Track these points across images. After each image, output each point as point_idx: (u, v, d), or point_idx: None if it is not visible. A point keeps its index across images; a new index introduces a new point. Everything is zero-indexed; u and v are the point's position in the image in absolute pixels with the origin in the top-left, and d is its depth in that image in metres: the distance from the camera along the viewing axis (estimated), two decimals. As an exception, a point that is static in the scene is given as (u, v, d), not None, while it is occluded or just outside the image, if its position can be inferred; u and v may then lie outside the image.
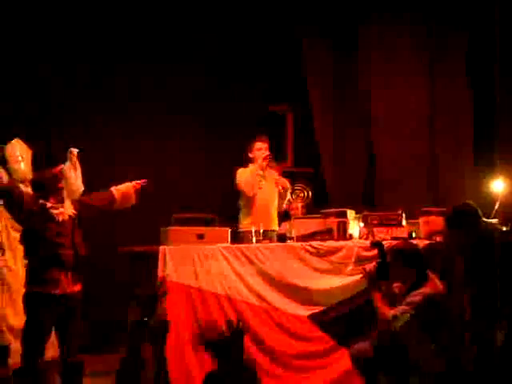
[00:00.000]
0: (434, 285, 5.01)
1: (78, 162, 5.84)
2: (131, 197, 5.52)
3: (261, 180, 6.41)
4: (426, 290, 4.95)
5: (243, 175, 6.43)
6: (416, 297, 4.91)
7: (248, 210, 6.43)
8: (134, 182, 5.56)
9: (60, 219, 5.11)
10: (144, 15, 7.51)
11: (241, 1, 7.55)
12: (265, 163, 6.42)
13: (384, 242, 5.56)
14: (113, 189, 5.48)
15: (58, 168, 5.37)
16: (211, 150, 7.60)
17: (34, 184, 5.28)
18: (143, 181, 5.57)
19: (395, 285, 5.13)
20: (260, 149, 6.49)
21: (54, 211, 5.11)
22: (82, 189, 5.69)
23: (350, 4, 7.47)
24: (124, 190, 5.50)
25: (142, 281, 5.80)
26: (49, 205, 5.11)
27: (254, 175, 6.39)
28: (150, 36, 7.53)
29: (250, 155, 6.52)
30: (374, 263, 5.14)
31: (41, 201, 5.11)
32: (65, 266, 5.08)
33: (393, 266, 5.12)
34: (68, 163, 5.80)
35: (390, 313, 4.91)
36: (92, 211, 5.36)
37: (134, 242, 5.93)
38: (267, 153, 6.43)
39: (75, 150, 5.80)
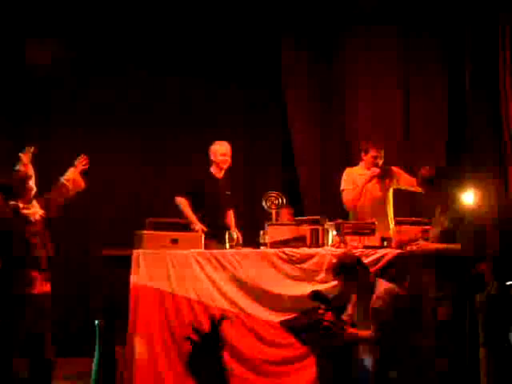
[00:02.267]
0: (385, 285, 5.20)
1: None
2: (79, 180, 5.64)
3: None
4: (382, 291, 5.12)
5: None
6: (379, 303, 5.08)
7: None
8: (76, 165, 5.68)
9: (33, 219, 5.14)
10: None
11: (223, 11, 7.53)
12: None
13: (355, 251, 5.66)
14: (62, 180, 5.57)
15: (25, 168, 5.36)
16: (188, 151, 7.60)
17: (2, 187, 5.27)
18: (83, 160, 5.68)
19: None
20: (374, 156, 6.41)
21: (27, 211, 5.13)
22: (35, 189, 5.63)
23: (327, 17, 7.50)
24: (71, 176, 5.61)
25: (116, 284, 5.80)
26: (21, 206, 5.12)
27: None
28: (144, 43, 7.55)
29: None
30: (329, 315, 5.18)
31: (12, 202, 5.11)
32: (40, 266, 5.12)
33: (336, 278, 5.30)
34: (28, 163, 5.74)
35: (371, 335, 5.06)
36: (57, 208, 5.43)
37: (108, 245, 5.92)
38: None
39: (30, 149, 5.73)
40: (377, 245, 5.78)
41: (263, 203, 6.05)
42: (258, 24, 7.50)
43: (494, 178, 6.95)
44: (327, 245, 5.90)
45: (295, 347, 5.61)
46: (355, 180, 6.46)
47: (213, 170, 6.58)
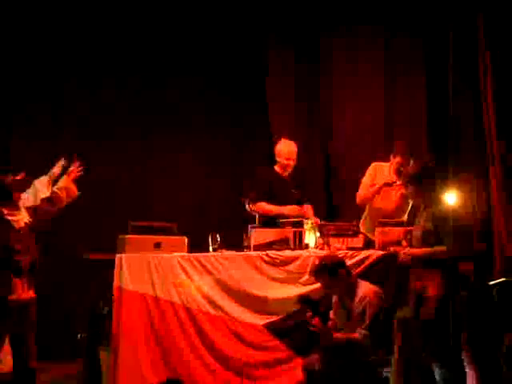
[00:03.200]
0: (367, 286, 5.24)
1: None
2: (73, 189, 5.50)
3: None
4: (365, 292, 5.16)
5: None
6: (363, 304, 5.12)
7: None
8: (69, 173, 5.55)
9: (17, 226, 5.10)
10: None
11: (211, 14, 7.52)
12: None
13: (339, 252, 5.67)
14: (55, 189, 5.46)
15: (21, 176, 5.29)
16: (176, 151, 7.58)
17: None
18: (76, 168, 5.55)
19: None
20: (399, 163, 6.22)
21: (11, 218, 5.09)
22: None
23: (312, 18, 7.50)
24: (64, 185, 5.47)
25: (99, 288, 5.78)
26: (5, 211, 5.08)
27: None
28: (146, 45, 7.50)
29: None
30: (316, 320, 5.17)
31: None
32: (21, 272, 5.07)
33: (319, 280, 5.33)
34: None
35: (359, 334, 5.09)
36: (45, 221, 5.32)
37: (93, 250, 5.90)
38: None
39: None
40: (360, 246, 5.79)
41: (246, 206, 6.04)
42: (244, 25, 7.49)
43: (476, 178, 6.97)
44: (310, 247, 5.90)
45: (280, 350, 5.63)
46: (378, 177, 6.35)
47: (277, 168, 6.48)
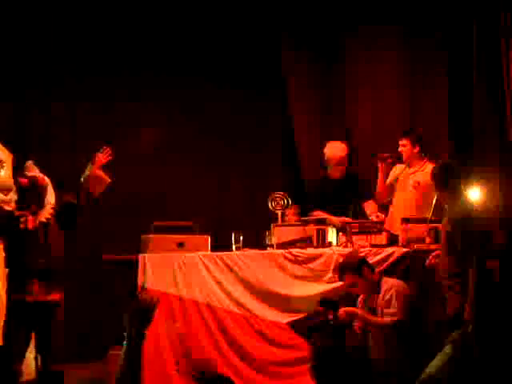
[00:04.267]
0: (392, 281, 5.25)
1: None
2: (101, 176, 5.35)
3: None
4: (390, 286, 5.18)
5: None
6: (388, 295, 5.13)
7: None
8: (94, 161, 5.39)
9: (28, 227, 5.07)
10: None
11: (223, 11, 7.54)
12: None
13: (362, 250, 5.65)
14: (81, 178, 5.33)
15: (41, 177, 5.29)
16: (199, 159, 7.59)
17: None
18: (105, 154, 5.39)
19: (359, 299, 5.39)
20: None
21: (21, 219, 5.08)
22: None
23: (328, 17, 7.49)
24: (88, 173, 5.33)
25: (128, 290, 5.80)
26: (17, 213, 5.08)
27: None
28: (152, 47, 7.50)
29: None
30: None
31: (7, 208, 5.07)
32: (36, 274, 5.04)
33: (344, 278, 5.32)
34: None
35: (385, 320, 5.09)
36: (74, 210, 5.25)
37: (118, 251, 5.92)
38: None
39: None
40: (384, 243, 5.76)
41: (269, 204, 6.03)
42: (259, 24, 7.46)
43: (500, 178, 6.91)
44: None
45: (304, 348, 5.58)
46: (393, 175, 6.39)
47: (329, 170, 6.54)
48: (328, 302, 5.38)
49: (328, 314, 5.26)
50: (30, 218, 5.08)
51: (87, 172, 5.37)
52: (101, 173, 5.38)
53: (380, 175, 6.37)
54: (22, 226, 5.06)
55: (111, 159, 5.46)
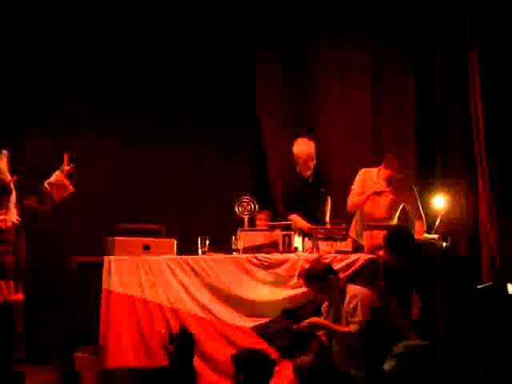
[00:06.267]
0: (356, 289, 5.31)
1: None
2: (65, 184, 5.37)
3: None
4: (355, 294, 5.22)
5: None
6: (354, 302, 5.18)
7: None
8: (62, 169, 5.40)
9: (4, 226, 5.06)
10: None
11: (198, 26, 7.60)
12: None
13: (328, 256, 5.69)
14: (45, 183, 5.34)
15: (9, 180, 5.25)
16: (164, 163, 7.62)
17: None
18: (67, 164, 5.40)
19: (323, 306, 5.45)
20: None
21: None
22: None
23: (298, 30, 7.57)
24: (54, 180, 5.34)
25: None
26: None
27: None
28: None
29: None
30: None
31: None
32: (6, 273, 5.02)
33: (310, 286, 5.37)
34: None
35: (350, 328, 5.15)
36: (36, 212, 5.25)
37: (82, 252, 5.91)
38: None
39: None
40: (349, 250, 5.80)
41: (236, 209, 6.05)
42: (232, 38, 7.54)
43: (464, 191, 7.02)
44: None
45: (267, 353, 5.57)
46: (367, 183, 6.36)
47: (299, 170, 6.51)
48: (290, 312, 5.41)
49: (290, 325, 5.33)
50: (5, 217, 5.06)
51: (53, 178, 5.38)
52: (67, 181, 5.40)
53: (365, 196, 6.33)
54: (2, 225, 5.01)
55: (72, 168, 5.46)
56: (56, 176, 5.39)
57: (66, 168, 5.42)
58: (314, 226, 6.06)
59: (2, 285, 5.01)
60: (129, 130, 7.48)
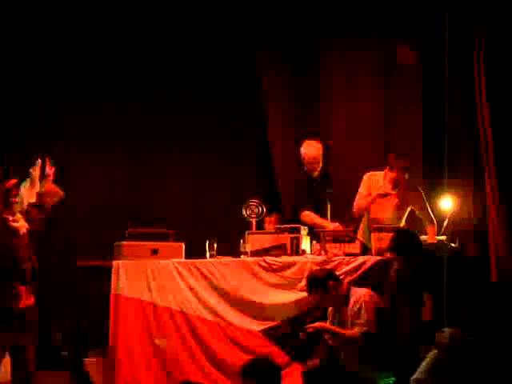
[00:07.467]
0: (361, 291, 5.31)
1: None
2: (56, 190, 5.37)
3: None
4: (359, 296, 5.23)
5: None
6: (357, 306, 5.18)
7: None
8: (47, 176, 5.39)
9: (21, 232, 5.09)
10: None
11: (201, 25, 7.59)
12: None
13: (336, 258, 5.69)
14: (41, 194, 5.31)
15: (12, 182, 5.28)
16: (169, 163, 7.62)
17: None
18: (49, 167, 5.40)
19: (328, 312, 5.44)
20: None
21: (15, 224, 5.08)
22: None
23: (302, 30, 7.55)
24: (46, 189, 5.34)
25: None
26: (10, 218, 5.08)
27: None
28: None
29: None
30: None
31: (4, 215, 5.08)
32: (25, 279, 5.06)
33: (312, 295, 5.35)
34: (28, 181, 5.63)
35: (354, 332, 5.15)
36: (40, 221, 5.25)
37: (91, 257, 5.94)
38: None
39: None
40: (357, 252, 5.80)
41: (243, 212, 6.05)
42: (238, 38, 7.53)
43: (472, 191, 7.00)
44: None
45: (277, 355, 5.58)
46: (373, 186, 6.33)
47: (305, 170, 6.54)
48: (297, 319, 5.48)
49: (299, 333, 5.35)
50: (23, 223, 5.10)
51: (42, 188, 5.37)
52: (56, 187, 5.41)
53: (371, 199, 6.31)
54: (21, 231, 5.06)
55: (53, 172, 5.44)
56: (43, 185, 5.38)
57: (49, 173, 5.42)
58: (339, 225, 6.08)
59: (22, 290, 5.05)
60: (136, 134, 7.49)
